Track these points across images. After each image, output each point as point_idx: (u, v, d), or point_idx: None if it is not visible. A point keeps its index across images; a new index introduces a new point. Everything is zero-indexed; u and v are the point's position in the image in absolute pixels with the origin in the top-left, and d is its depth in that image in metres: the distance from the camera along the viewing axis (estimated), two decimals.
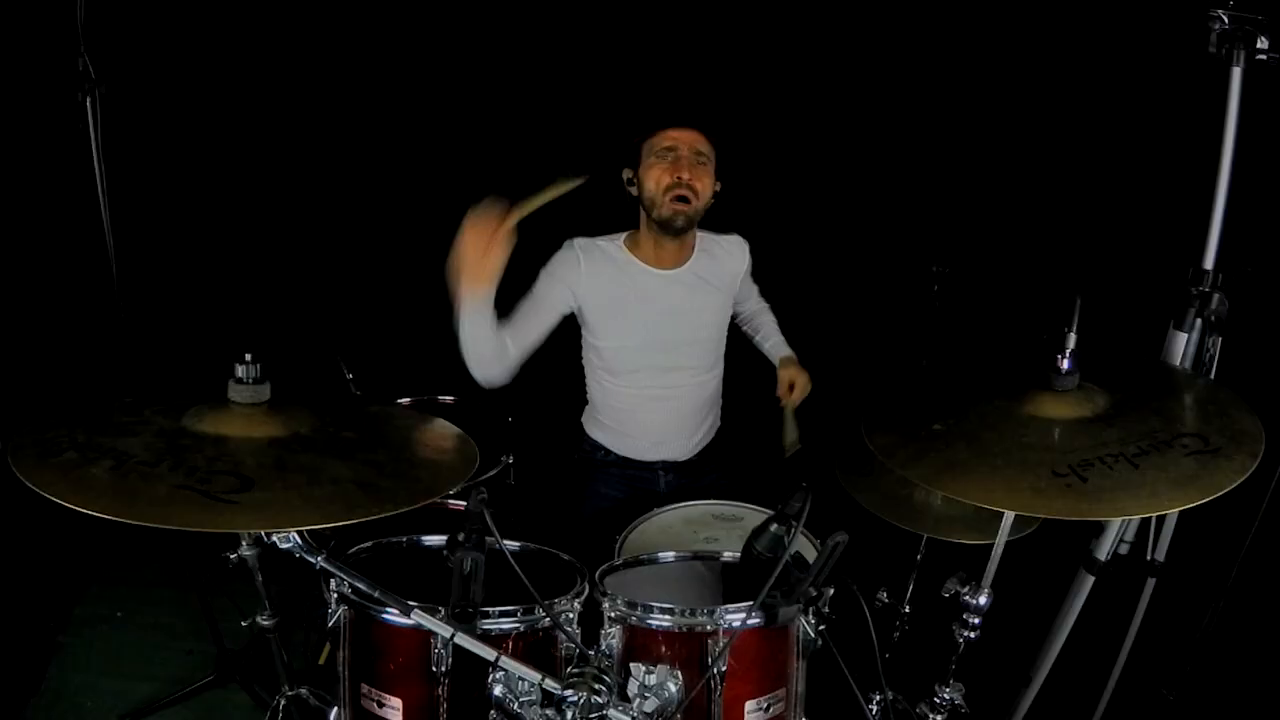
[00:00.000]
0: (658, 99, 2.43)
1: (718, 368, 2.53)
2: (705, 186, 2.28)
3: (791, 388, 2.48)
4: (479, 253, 1.98)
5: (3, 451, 1.43)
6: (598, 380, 2.48)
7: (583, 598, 1.66)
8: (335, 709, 1.71)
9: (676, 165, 2.26)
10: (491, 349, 2.17)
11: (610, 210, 2.41)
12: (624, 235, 2.41)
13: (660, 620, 1.60)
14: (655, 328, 2.36)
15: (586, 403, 2.58)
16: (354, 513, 1.43)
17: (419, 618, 1.49)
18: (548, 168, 3.44)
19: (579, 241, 2.37)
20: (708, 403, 2.52)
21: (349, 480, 1.50)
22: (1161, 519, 2.16)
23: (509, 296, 2.60)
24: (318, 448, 1.57)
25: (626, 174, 2.36)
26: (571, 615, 1.64)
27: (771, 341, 2.61)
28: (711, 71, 3.24)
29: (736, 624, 1.58)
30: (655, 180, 2.27)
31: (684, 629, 1.60)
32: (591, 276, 2.33)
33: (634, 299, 2.35)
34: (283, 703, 2.15)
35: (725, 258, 2.47)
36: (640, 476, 2.52)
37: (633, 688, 1.57)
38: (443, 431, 1.85)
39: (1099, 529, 2.12)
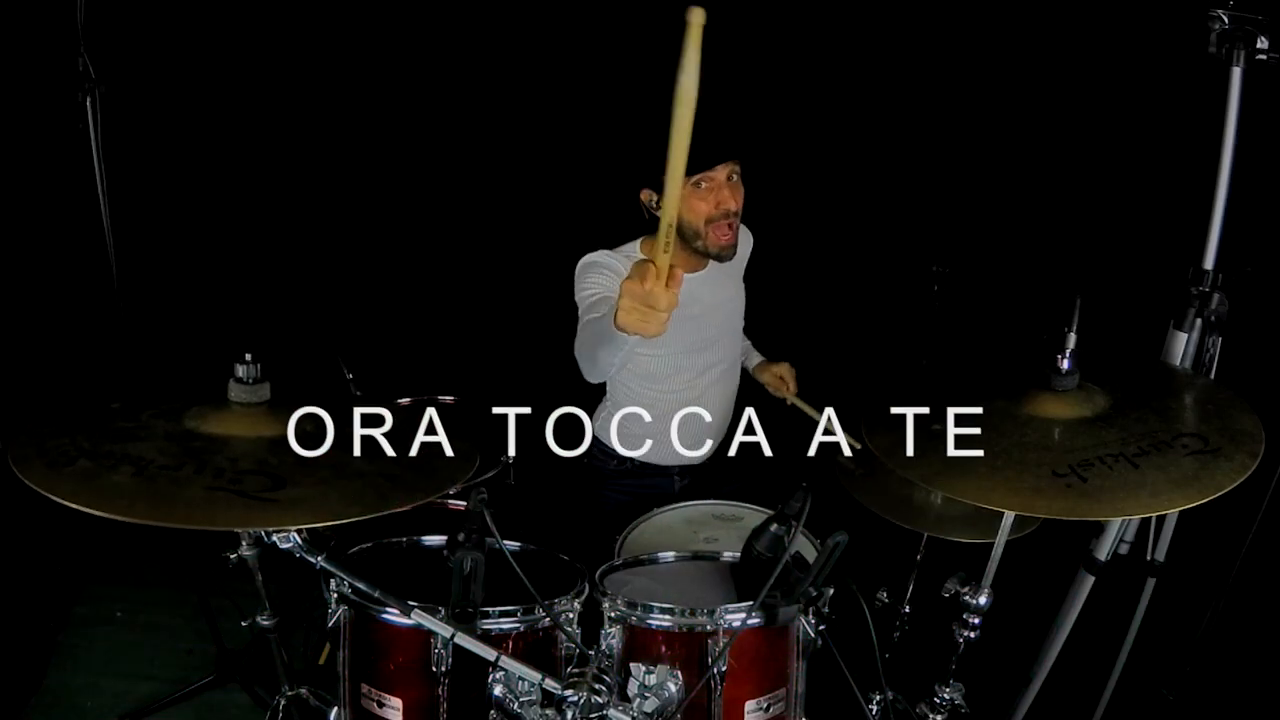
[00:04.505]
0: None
1: (739, 360, 2.52)
2: (741, 198, 2.16)
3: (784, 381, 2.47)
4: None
5: (2, 454, 1.42)
6: (627, 388, 2.38)
7: (583, 598, 1.66)
8: (335, 709, 1.71)
9: (719, 195, 2.10)
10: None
11: (613, 220, 2.31)
12: (637, 243, 2.29)
13: (660, 620, 1.60)
14: (691, 329, 2.28)
15: (597, 402, 2.54)
16: (389, 502, 1.43)
17: (419, 618, 1.49)
18: (548, 170, 3.47)
19: (598, 257, 2.18)
20: (734, 396, 2.49)
21: (374, 473, 1.50)
22: (1161, 519, 2.16)
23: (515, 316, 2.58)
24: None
25: (648, 196, 2.19)
26: (571, 615, 1.64)
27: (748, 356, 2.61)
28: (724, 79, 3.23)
29: (736, 624, 1.58)
30: (694, 211, 2.11)
31: (684, 629, 1.60)
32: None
33: None
34: (283, 703, 2.14)
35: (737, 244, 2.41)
36: (654, 483, 2.47)
37: (633, 688, 1.58)
38: None
39: (1099, 529, 2.12)
